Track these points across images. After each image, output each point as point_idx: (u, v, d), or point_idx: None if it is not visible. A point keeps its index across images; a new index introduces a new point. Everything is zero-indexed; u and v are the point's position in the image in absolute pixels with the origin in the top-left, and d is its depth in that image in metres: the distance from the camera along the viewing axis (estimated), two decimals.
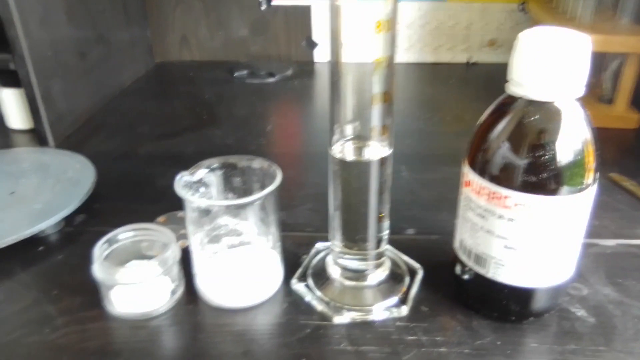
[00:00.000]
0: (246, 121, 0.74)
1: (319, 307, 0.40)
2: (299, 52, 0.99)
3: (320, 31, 0.97)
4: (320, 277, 0.42)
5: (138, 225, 0.41)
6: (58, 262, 0.45)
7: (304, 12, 0.95)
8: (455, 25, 0.95)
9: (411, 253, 0.45)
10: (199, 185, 0.39)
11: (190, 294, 0.41)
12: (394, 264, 0.43)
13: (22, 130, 0.71)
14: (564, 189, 0.32)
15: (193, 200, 0.37)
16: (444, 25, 0.95)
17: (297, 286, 0.41)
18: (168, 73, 0.96)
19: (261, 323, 0.39)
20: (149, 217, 0.49)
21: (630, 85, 0.69)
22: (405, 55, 0.98)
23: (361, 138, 0.35)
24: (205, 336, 0.38)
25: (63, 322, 0.39)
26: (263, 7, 0.94)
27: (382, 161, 0.36)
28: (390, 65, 0.32)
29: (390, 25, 0.31)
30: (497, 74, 0.98)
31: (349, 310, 0.39)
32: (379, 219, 0.38)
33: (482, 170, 0.34)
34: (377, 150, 0.36)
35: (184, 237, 0.46)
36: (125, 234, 0.41)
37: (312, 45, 0.98)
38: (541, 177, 0.31)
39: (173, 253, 0.40)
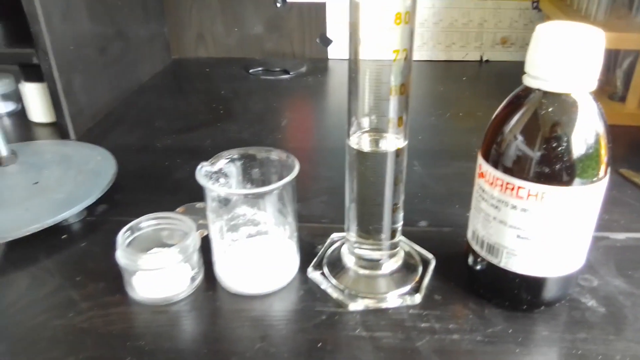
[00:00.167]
0: (261, 116, 0.76)
1: (334, 294, 0.41)
2: (313, 49, 1.00)
3: (335, 28, 0.98)
4: (336, 266, 0.43)
5: (160, 214, 0.42)
6: (81, 249, 0.47)
7: (318, 9, 0.96)
8: (468, 23, 0.96)
9: (424, 244, 0.46)
10: (218, 176, 0.40)
11: (210, 280, 0.42)
12: (408, 255, 0.44)
13: (43, 123, 0.73)
14: (577, 180, 0.32)
15: (213, 188, 0.38)
16: (457, 23, 0.96)
17: (313, 274, 0.43)
18: (185, 69, 0.98)
19: (278, 309, 0.40)
20: (168, 208, 0.50)
21: None
22: (418, 53, 0.98)
23: (378, 130, 0.36)
24: (223, 321, 0.39)
25: (86, 306, 0.40)
26: (279, 5, 0.95)
27: (398, 152, 0.37)
28: (408, 58, 0.33)
29: (409, 17, 0.32)
30: (510, 71, 1.00)
31: (364, 297, 0.40)
32: (394, 210, 0.39)
33: (496, 161, 0.34)
34: (393, 141, 0.36)
35: (202, 227, 0.48)
36: (147, 222, 0.42)
37: (327, 42, 0.99)
38: (555, 168, 0.32)
39: (193, 241, 0.41)
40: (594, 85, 0.32)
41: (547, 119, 0.32)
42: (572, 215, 0.34)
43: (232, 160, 0.41)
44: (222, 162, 0.41)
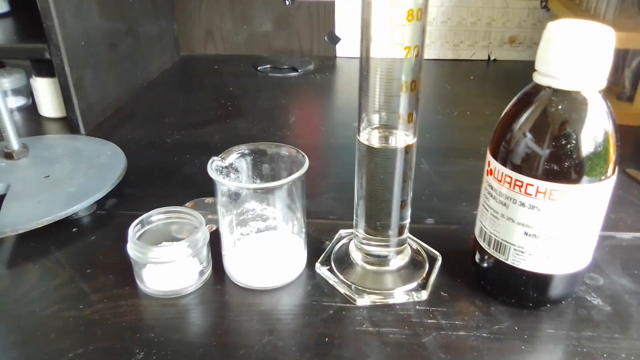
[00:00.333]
0: (270, 113, 0.76)
1: (342, 289, 0.41)
2: (321, 47, 1.00)
3: (343, 26, 0.98)
4: (343, 261, 0.43)
5: (170, 208, 0.43)
6: (91, 242, 0.47)
7: (327, 8, 0.96)
8: (476, 22, 0.96)
9: (431, 241, 0.46)
10: (229, 170, 0.41)
11: (218, 274, 0.43)
12: (415, 251, 0.44)
13: (54, 118, 0.74)
14: (586, 178, 0.33)
15: (224, 183, 0.39)
16: (465, 22, 0.96)
17: (321, 270, 0.43)
18: (193, 66, 0.98)
19: (286, 304, 0.40)
20: (177, 203, 0.51)
21: None
22: (425, 51, 0.98)
23: (388, 126, 0.37)
24: (232, 314, 0.39)
25: (97, 298, 0.41)
26: (287, 3, 0.96)
27: (407, 149, 0.37)
28: (419, 55, 0.34)
29: (421, 14, 0.32)
30: (517, 71, 0.99)
31: (371, 293, 0.40)
32: (402, 206, 0.40)
33: (505, 158, 0.35)
34: (402, 138, 0.37)
35: (211, 221, 0.48)
36: (158, 216, 0.42)
37: (335, 40, 0.99)
38: (564, 166, 0.32)
39: (203, 235, 0.41)
40: (603, 83, 0.32)
41: (557, 117, 0.33)
42: (580, 213, 0.34)
43: (243, 155, 0.42)
44: (232, 157, 0.41)
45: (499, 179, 0.35)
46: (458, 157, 0.63)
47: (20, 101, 0.78)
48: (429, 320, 0.38)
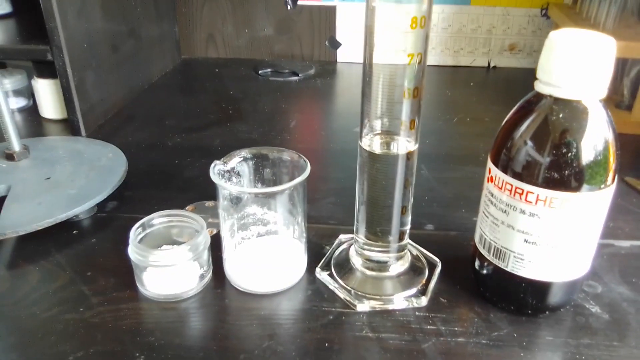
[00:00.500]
0: (270, 117, 0.76)
1: (342, 295, 0.41)
2: (322, 52, 1.01)
3: (344, 31, 0.98)
4: (343, 267, 0.44)
5: (171, 212, 0.43)
6: (91, 245, 0.47)
7: (328, 13, 0.97)
8: (476, 28, 0.96)
9: (430, 247, 0.46)
10: (231, 175, 0.41)
11: (218, 278, 0.43)
12: (414, 257, 0.45)
13: (54, 119, 0.74)
14: (586, 186, 0.33)
15: (226, 187, 0.39)
16: (466, 29, 0.96)
17: (321, 275, 0.43)
18: (194, 69, 0.98)
19: (286, 308, 0.40)
20: (178, 206, 0.51)
21: None
22: None
23: (389, 132, 0.37)
24: (232, 319, 0.40)
25: (97, 301, 0.41)
26: (289, 7, 0.96)
27: (409, 155, 0.37)
28: (422, 62, 0.34)
29: (425, 22, 0.32)
30: (517, 78, 1.00)
31: (370, 299, 0.40)
32: (403, 212, 0.40)
33: (505, 166, 0.35)
34: (404, 144, 0.37)
35: (211, 225, 0.48)
36: (159, 219, 0.42)
37: (336, 45, 0.99)
38: (564, 174, 0.33)
39: (204, 239, 0.41)
40: (604, 92, 0.33)
41: (558, 125, 0.33)
42: (580, 220, 0.34)
43: (245, 160, 0.42)
44: (234, 161, 0.41)
45: (500, 186, 0.36)
46: (458, 164, 0.63)
47: (21, 102, 0.79)
48: (429, 327, 0.39)
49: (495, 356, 0.36)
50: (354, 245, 0.44)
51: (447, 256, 0.45)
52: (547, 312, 0.39)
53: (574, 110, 0.33)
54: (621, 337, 0.38)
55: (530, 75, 0.94)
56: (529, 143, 0.34)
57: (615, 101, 0.74)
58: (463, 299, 0.41)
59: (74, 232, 0.49)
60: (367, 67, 0.35)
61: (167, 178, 0.59)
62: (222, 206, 0.40)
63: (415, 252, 0.45)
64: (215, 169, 0.39)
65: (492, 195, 0.37)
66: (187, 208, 0.52)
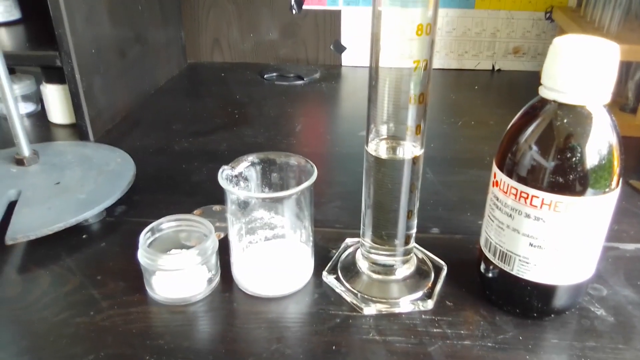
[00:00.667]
0: (276, 121, 0.77)
1: (348, 298, 0.42)
2: (327, 56, 1.01)
3: (349, 35, 0.99)
4: (350, 270, 0.44)
5: (180, 216, 0.43)
6: (101, 249, 0.48)
7: (333, 17, 0.97)
8: (481, 32, 0.97)
9: (436, 251, 0.47)
10: (238, 179, 0.41)
11: (226, 282, 0.43)
12: (420, 261, 0.45)
13: (63, 124, 0.75)
14: (590, 190, 0.33)
15: (235, 192, 0.39)
16: (470, 32, 0.97)
17: (328, 278, 0.44)
18: (200, 73, 0.99)
19: (293, 312, 0.41)
20: (185, 210, 0.52)
21: None
22: None
23: (395, 137, 0.37)
24: (240, 322, 0.40)
25: (107, 305, 0.41)
26: (294, 12, 0.97)
27: (415, 160, 0.38)
28: (427, 68, 0.34)
29: (430, 29, 0.33)
30: (521, 81, 1.00)
31: (377, 302, 0.41)
32: (409, 216, 0.40)
33: (511, 170, 0.35)
34: (410, 149, 0.37)
35: (219, 229, 0.49)
36: (168, 224, 0.43)
37: (341, 49, 1.00)
38: (569, 178, 0.33)
39: (212, 244, 0.42)
40: (608, 98, 0.33)
41: (562, 130, 0.33)
42: (585, 224, 0.35)
43: (252, 164, 0.42)
44: (242, 166, 0.42)
45: (505, 190, 0.36)
46: (463, 167, 0.63)
47: (29, 107, 0.79)
48: (435, 330, 0.39)
49: (501, 359, 0.36)
50: (360, 248, 0.44)
51: (453, 259, 0.45)
52: (552, 315, 0.40)
53: (578, 116, 0.33)
54: (626, 340, 0.38)
55: (534, 78, 0.94)
56: (534, 148, 0.34)
57: (619, 104, 0.74)
58: (469, 302, 0.42)
59: (84, 236, 0.50)
60: (373, 74, 0.35)
61: (175, 182, 0.59)
62: (230, 210, 0.41)
63: (421, 255, 0.46)
64: (224, 174, 0.40)
65: (497, 199, 0.37)
66: (194, 212, 0.52)
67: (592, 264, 0.37)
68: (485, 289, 0.42)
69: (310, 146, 0.70)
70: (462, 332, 0.39)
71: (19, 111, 0.55)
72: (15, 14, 0.82)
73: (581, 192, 0.33)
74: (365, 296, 0.41)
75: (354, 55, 1.01)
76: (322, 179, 0.58)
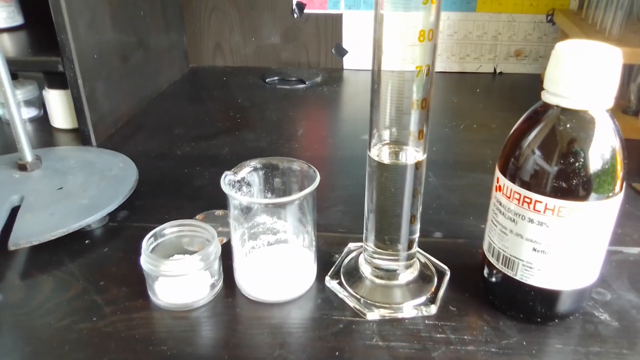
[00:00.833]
0: (278, 125, 0.77)
1: (351, 303, 0.41)
2: (329, 59, 1.01)
3: (350, 39, 0.99)
4: (352, 275, 0.44)
5: (183, 222, 0.43)
6: (104, 254, 0.48)
7: (334, 20, 0.98)
8: (482, 35, 0.97)
9: (439, 255, 0.46)
10: (241, 184, 0.41)
11: (229, 287, 0.43)
12: (423, 265, 0.45)
13: (65, 129, 0.75)
14: (594, 195, 0.33)
15: (237, 197, 0.39)
16: (472, 35, 0.97)
17: (331, 283, 0.43)
18: (202, 78, 0.99)
19: (296, 317, 0.41)
20: (188, 215, 0.52)
21: None
22: None
23: (398, 142, 0.37)
24: (243, 327, 0.40)
25: (110, 310, 0.41)
26: (295, 16, 0.97)
27: (417, 165, 0.38)
28: (430, 73, 0.34)
29: (433, 34, 0.33)
30: (523, 84, 1.00)
31: (380, 307, 0.41)
32: (411, 221, 0.40)
33: (514, 175, 0.35)
34: (412, 154, 0.37)
35: (221, 234, 0.49)
36: (171, 229, 0.43)
37: (342, 52, 1.00)
38: (572, 183, 0.33)
39: (215, 249, 0.42)
40: (611, 102, 0.33)
41: (565, 135, 0.33)
42: (588, 229, 0.34)
43: (255, 170, 0.42)
44: (245, 171, 0.42)
45: (508, 195, 0.36)
46: (465, 171, 0.63)
47: (32, 112, 0.80)
48: (439, 335, 0.39)
49: None
50: (363, 253, 0.44)
51: (456, 264, 0.45)
52: (556, 320, 0.39)
53: (581, 120, 0.33)
54: (631, 345, 0.38)
55: (536, 81, 0.95)
56: (537, 152, 0.34)
57: (621, 107, 0.74)
58: (472, 307, 0.41)
59: (86, 241, 0.50)
60: (376, 79, 0.35)
61: (177, 187, 0.59)
62: (232, 216, 0.41)
63: (423, 260, 0.46)
64: (226, 180, 0.40)
65: (500, 204, 0.37)
66: (197, 217, 0.52)
67: (596, 269, 0.37)
68: (488, 293, 0.42)
69: (312, 150, 0.70)
70: (465, 337, 0.39)
71: (21, 116, 0.55)
72: (18, 20, 0.82)
73: (585, 197, 0.33)
74: (368, 301, 0.41)
75: (356, 59, 1.01)
76: (324, 182, 0.58)
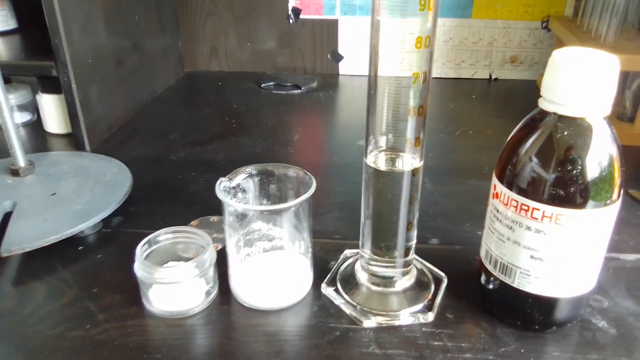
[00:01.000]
0: (273, 130, 0.76)
1: (348, 310, 0.41)
2: (324, 65, 1.01)
3: (346, 45, 0.99)
4: (349, 282, 0.44)
5: (177, 228, 0.43)
6: (97, 261, 0.48)
7: (330, 26, 0.98)
8: (478, 41, 0.97)
9: (435, 262, 0.46)
10: (236, 191, 0.41)
11: (224, 294, 0.43)
12: (420, 272, 0.45)
13: (59, 134, 0.74)
14: (591, 203, 0.33)
15: (232, 204, 0.39)
16: (467, 42, 0.97)
17: (327, 290, 0.43)
18: (197, 82, 0.99)
19: (292, 324, 0.40)
20: (183, 221, 0.51)
21: None
22: None
23: (395, 149, 0.37)
24: (238, 335, 0.40)
25: (103, 318, 0.41)
26: (291, 21, 0.97)
27: (414, 172, 0.37)
28: (427, 80, 0.34)
29: (429, 41, 0.33)
30: (518, 90, 1.00)
31: (377, 314, 0.40)
32: (408, 228, 0.40)
33: (511, 182, 0.35)
34: (409, 161, 0.37)
35: (216, 240, 0.48)
36: (165, 236, 0.43)
37: (338, 58, 1.00)
38: (570, 190, 0.33)
39: (210, 256, 0.41)
40: (608, 110, 0.33)
41: (562, 142, 0.33)
42: (586, 237, 0.34)
43: (250, 176, 0.42)
44: (240, 178, 0.41)
45: (505, 202, 0.36)
46: (461, 177, 0.63)
47: (25, 117, 0.79)
48: (436, 343, 0.39)
49: None
50: (360, 260, 0.44)
51: (453, 271, 0.45)
52: (553, 328, 0.39)
53: (578, 128, 0.33)
54: (628, 352, 0.38)
55: (531, 87, 0.95)
56: (534, 160, 0.34)
57: (617, 113, 0.75)
58: (469, 314, 0.41)
59: (80, 248, 0.49)
60: (372, 86, 0.35)
61: (172, 193, 0.59)
62: (227, 222, 0.41)
63: (420, 266, 0.45)
64: (221, 186, 0.39)
65: (497, 211, 0.37)
66: (192, 223, 0.52)
67: (593, 276, 0.37)
68: (485, 301, 0.41)
69: (307, 156, 0.70)
70: (462, 344, 0.38)
71: (14, 121, 0.54)
72: (12, 24, 0.82)
73: (582, 205, 0.33)
74: (365, 308, 0.41)
75: (351, 65, 1.01)
76: (320, 188, 0.58)
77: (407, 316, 0.40)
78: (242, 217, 0.41)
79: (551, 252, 0.35)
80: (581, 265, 0.36)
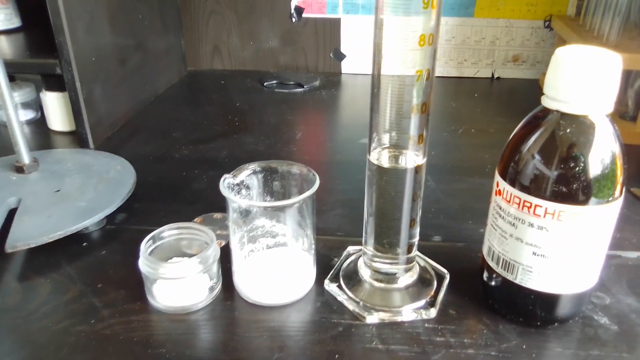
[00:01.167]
0: (276, 129, 0.77)
1: (351, 307, 0.41)
2: (327, 63, 1.01)
3: (348, 43, 0.99)
4: (351, 278, 0.44)
5: (181, 224, 0.43)
6: (101, 257, 0.48)
7: (333, 25, 0.98)
8: (480, 40, 0.97)
9: (438, 259, 0.46)
10: (240, 188, 0.41)
11: (228, 290, 0.43)
12: (423, 269, 0.45)
13: (63, 132, 0.75)
14: (593, 200, 0.33)
15: (236, 200, 0.39)
16: (469, 40, 0.97)
17: (330, 286, 0.43)
18: (200, 81, 0.99)
19: (295, 320, 0.41)
20: (186, 218, 0.52)
21: None
22: None
23: (398, 146, 0.37)
24: (242, 331, 0.40)
25: (108, 313, 0.41)
26: (294, 20, 0.97)
27: (417, 169, 0.38)
28: (430, 77, 0.34)
29: (433, 39, 0.33)
30: (521, 88, 1.00)
31: (379, 310, 0.41)
32: (411, 225, 0.40)
33: (513, 179, 0.35)
34: (412, 158, 0.37)
35: (220, 237, 0.49)
36: (169, 232, 0.43)
37: (340, 56, 1.00)
38: (572, 187, 0.33)
39: (213, 252, 0.42)
40: (611, 107, 0.33)
41: (565, 140, 0.33)
42: (588, 233, 0.34)
43: (254, 173, 0.42)
44: (244, 174, 0.42)
45: (508, 199, 0.36)
46: (463, 175, 0.63)
47: (29, 114, 0.79)
48: (438, 338, 0.39)
49: None
50: (363, 257, 0.44)
51: (455, 268, 0.45)
52: (555, 324, 0.39)
53: (581, 125, 0.33)
54: (630, 349, 0.38)
55: (533, 85, 0.95)
56: (537, 157, 0.34)
57: (619, 112, 0.75)
58: (472, 310, 0.41)
59: (84, 244, 0.49)
60: (376, 83, 0.35)
61: (175, 190, 0.59)
62: (231, 219, 0.41)
63: (423, 263, 0.46)
64: (225, 183, 0.40)
65: (500, 208, 0.37)
66: (195, 220, 0.52)
67: (595, 273, 0.37)
68: (488, 297, 0.42)
69: (310, 154, 0.70)
70: (465, 340, 0.39)
71: (18, 118, 0.55)
72: (16, 22, 0.82)
73: (584, 202, 0.33)
74: (368, 305, 0.41)
75: (354, 63, 1.01)
76: (323, 186, 0.58)
77: (409, 312, 0.41)
78: (245, 214, 0.41)
79: (553, 248, 0.35)
80: (583, 262, 0.36)
